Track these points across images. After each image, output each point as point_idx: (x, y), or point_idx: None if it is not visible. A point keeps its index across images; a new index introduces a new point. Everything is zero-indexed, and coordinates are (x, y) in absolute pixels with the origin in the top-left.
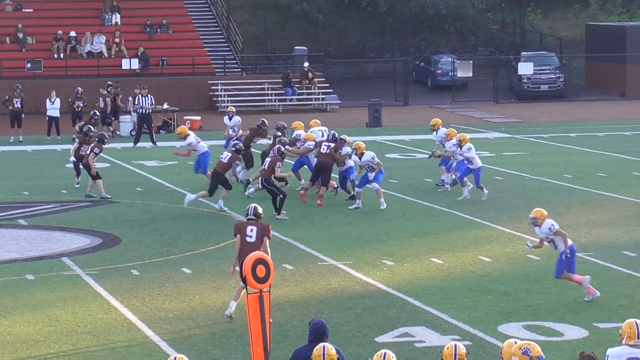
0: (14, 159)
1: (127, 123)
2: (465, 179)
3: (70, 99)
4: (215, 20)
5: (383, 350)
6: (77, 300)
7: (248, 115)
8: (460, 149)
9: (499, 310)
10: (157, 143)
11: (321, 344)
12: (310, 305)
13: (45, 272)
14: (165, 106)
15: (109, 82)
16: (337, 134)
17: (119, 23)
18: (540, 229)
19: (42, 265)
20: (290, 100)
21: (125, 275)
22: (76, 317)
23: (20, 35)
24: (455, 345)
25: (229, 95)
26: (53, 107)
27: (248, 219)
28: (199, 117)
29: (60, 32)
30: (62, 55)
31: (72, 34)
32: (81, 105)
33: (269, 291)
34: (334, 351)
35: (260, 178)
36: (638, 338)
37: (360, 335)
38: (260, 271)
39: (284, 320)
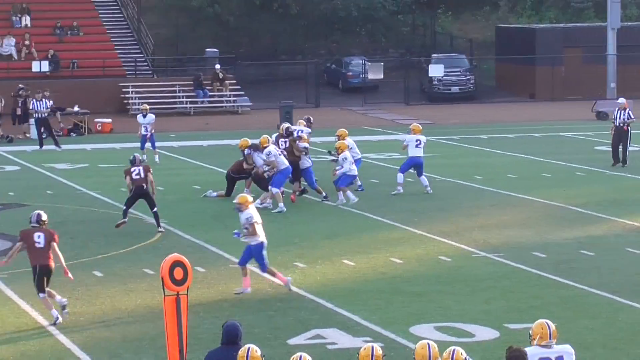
0: None
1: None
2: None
3: None
4: (126, 22)
5: (299, 353)
6: None
7: (159, 117)
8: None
9: (411, 311)
10: (65, 145)
11: (246, 345)
12: (222, 308)
13: None
14: (76, 109)
15: (20, 85)
16: (290, 128)
17: (29, 25)
18: (241, 215)
19: None
20: (202, 102)
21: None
22: None
23: None
24: (373, 347)
25: (140, 97)
26: None
27: (32, 226)
28: (109, 120)
29: None
30: None
31: None
32: None
33: (187, 294)
34: (258, 353)
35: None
36: (550, 338)
37: (272, 338)
38: (178, 273)
39: (196, 323)
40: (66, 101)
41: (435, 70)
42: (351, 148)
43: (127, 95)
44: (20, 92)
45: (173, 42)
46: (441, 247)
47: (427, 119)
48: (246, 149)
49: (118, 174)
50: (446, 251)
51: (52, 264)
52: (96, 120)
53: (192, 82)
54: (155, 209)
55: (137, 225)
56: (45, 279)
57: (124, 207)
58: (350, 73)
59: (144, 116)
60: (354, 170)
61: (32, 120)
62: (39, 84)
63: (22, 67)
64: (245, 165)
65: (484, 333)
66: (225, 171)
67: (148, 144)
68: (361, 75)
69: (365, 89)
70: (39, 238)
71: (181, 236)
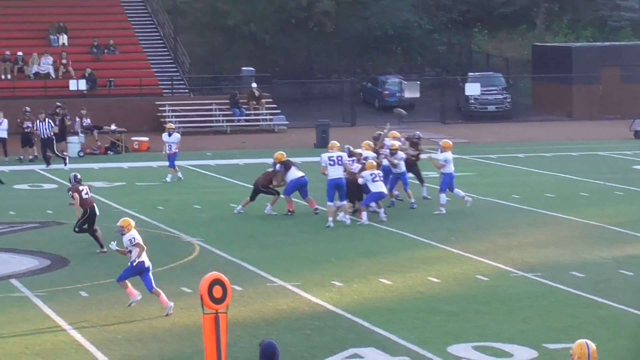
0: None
1: (74, 144)
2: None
3: (19, 120)
4: (162, 41)
5: None
6: (26, 322)
7: (196, 136)
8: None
9: (448, 330)
10: (102, 164)
11: None
12: (259, 327)
13: None
14: (113, 127)
15: (58, 104)
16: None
17: (66, 44)
18: (124, 238)
19: None
20: (238, 120)
21: (74, 297)
22: (25, 339)
23: None
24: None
25: (176, 116)
26: (1, 128)
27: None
28: (146, 138)
29: (7, 52)
30: (9, 76)
31: (20, 54)
32: (30, 125)
33: (226, 312)
34: None
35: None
36: (589, 359)
37: (309, 357)
38: (217, 291)
39: (233, 342)
40: (103, 119)
41: (472, 89)
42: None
43: (163, 114)
44: (57, 110)
45: (209, 60)
46: (478, 267)
47: (464, 137)
48: (278, 164)
49: (155, 192)
50: (483, 270)
51: None
52: (133, 138)
53: (228, 101)
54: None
55: (174, 244)
56: None
57: (77, 231)
58: (387, 92)
59: (169, 135)
60: (381, 188)
61: (72, 139)
62: (76, 103)
63: (59, 85)
64: (274, 182)
65: (522, 353)
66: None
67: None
68: (397, 94)
69: (402, 107)
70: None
71: (217, 254)
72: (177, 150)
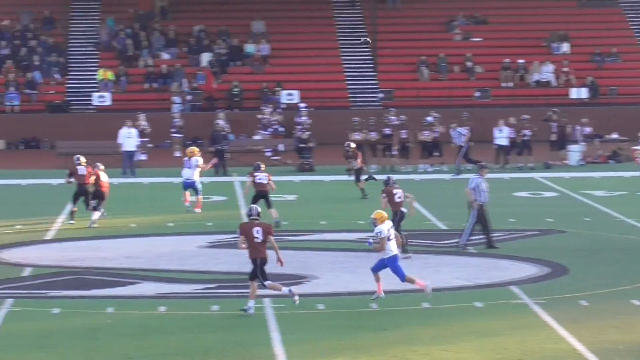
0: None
1: (575, 152)
2: None
3: (514, 128)
4: None
5: None
6: (525, 329)
7: None
8: None
9: None
10: (602, 172)
11: None
12: None
13: (492, 299)
14: (614, 136)
15: (554, 110)
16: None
17: (568, 52)
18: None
19: (489, 293)
20: None
21: (573, 305)
22: (524, 346)
23: (469, 64)
24: None
25: None
26: (501, 136)
27: (252, 219)
28: None
29: (507, 60)
30: (509, 84)
31: (520, 61)
32: (529, 134)
33: None
34: None
35: None
36: None
37: None
38: None
39: None
40: (604, 128)
41: None
42: None
43: None
44: (550, 116)
45: None
46: None
47: None
48: None
49: None
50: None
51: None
52: (634, 147)
53: None
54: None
55: None
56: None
57: None
58: None
59: None
60: None
61: (572, 147)
62: (576, 111)
63: (559, 93)
64: None
65: None
66: None
67: None
68: None
69: None
70: (257, 233)
71: None
72: None
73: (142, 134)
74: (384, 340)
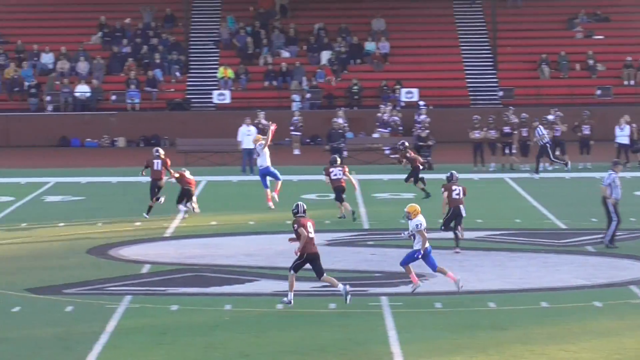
0: (581, 185)
1: None
2: None
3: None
4: None
5: None
6: None
7: None
8: None
9: None
10: None
11: None
12: None
13: (612, 299)
14: None
15: None
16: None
17: None
18: (410, 223)
19: (609, 292)
20: None
21: None
22: None
23: (590, 62)
24: None
25: None
26: (622, 135)
27: (299, 217)
28: None
29: (629, 58)
30: (631, 82)
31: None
32: None
33: None
34: None
35: None
36: None
37: None
38: None
39: None
40: None
41: None
42: None
43: None
44: None
45: None
46: None
47: None
48: None
49: None
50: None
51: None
52: None
53: None
54: None
55: None
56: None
57: (443, 229)
58: None
59: None
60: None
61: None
62: None
63: None
64: None
65: None
66: None
67: None
68: None
69: None
70: (310, 228)
71: None
72: None
73: (261, 131)
74: (501, 339)
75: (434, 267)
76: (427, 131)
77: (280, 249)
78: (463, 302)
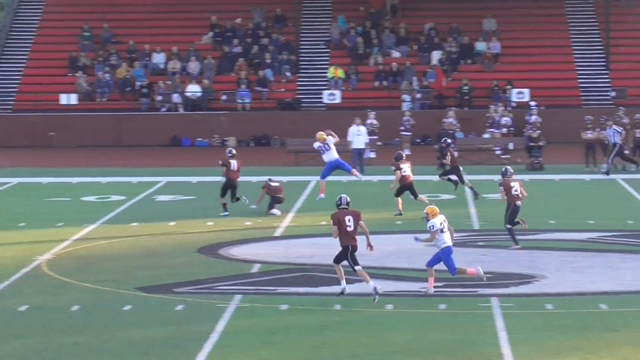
0: None
1: None
2: None
3: None
4: None
5: None
6: None
7: None
8: None
9: None
10: None
11: None
12: None
13: None
14: None
15: None
16: None
17: None
18: (428, 224)
19: None
20: None
21: None
22: None
23: None
24: None
25: None
26: None
27: (341, 209)
28: None
29: None
30: None
31: None
32: None
33: None
34: None
35: None
36: None
37: None
38: None
39: None
40: None
41: None
42: None
43: None
44: None
45: None
46: None
47: None
48: None
49: None
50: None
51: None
52: None
53: None
54: None
55: None
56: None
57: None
58: None
59: None
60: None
61: None
62: None
63: None
64: None
65: None
66: None
67: None
68: None
69: None
70: (349, 221)
71: None
72: None
73: (372, 132)
74: (612, 341)
75: (452, 270)
76: (539, 132)
77: (389, 249)
78: (574, 304)
